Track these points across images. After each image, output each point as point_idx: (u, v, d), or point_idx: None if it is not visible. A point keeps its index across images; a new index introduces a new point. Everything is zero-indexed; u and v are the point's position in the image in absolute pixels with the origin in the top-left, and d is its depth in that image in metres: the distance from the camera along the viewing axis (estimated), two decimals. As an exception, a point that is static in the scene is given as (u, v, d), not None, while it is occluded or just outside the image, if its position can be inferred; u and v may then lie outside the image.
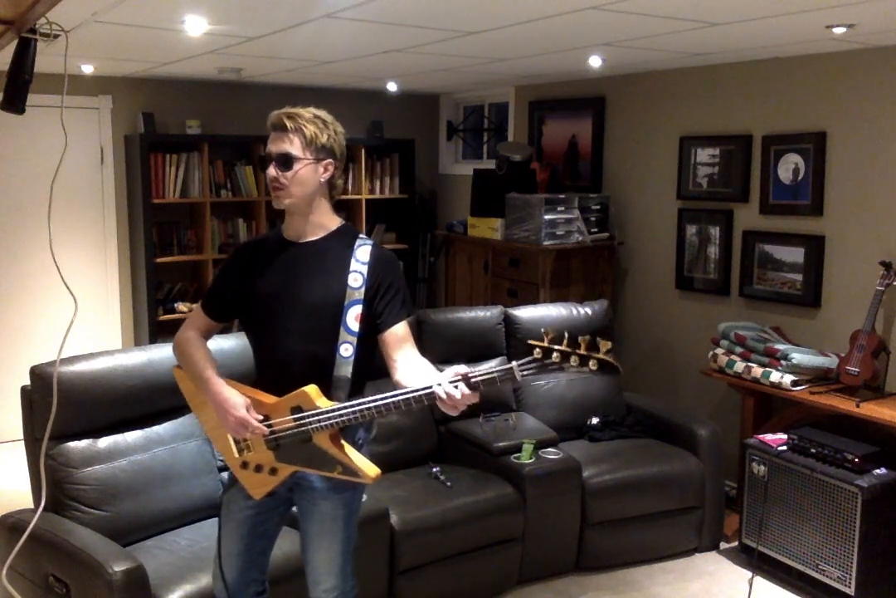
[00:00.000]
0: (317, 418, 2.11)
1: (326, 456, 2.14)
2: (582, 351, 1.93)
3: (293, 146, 2.16)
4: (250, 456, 2.25)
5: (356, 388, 2.24)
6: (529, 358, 1.95)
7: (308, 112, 2.20)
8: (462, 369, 2.01)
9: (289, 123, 2.16)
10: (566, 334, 1.95)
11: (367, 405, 2.07)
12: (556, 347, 1.93)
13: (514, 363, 1.96)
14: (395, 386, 2.16)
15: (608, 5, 2.83)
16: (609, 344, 1.95)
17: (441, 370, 2.08)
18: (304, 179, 2.18)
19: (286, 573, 2.72)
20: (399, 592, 3.17)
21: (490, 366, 4.28)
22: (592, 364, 1.93)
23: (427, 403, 2.03)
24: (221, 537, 2.39)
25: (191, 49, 3.95)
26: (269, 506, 2.34)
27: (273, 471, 2.23)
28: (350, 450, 2.15)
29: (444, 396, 1.97)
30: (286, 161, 2.16)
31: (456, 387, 1.98)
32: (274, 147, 2.18)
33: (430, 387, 2.01)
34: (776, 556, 3.57)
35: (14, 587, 2.55)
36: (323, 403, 2.13)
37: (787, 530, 3.51)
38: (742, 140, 4.25)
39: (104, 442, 2.90)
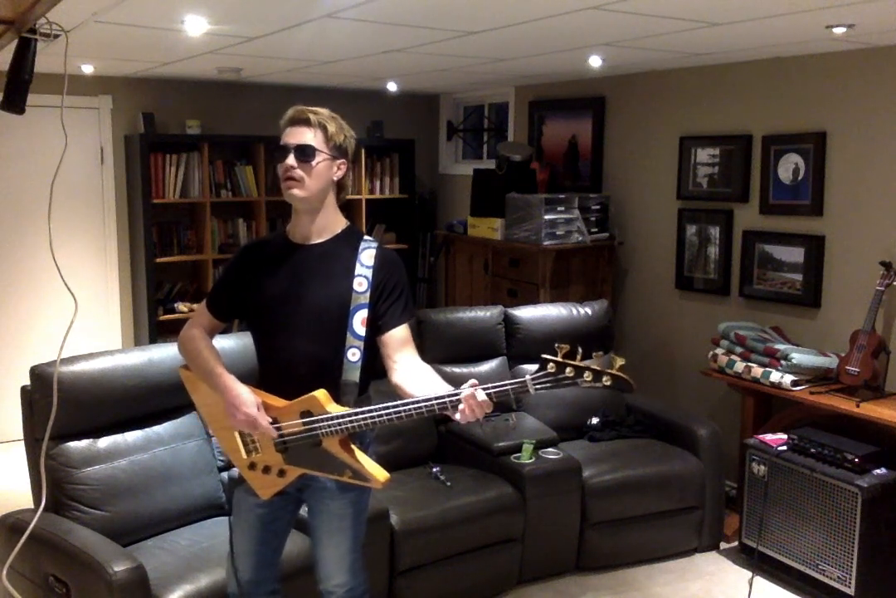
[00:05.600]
0: (327, 423, 2.10)
1: (336, 460, 2.13)
2: (596, 367, 1.92)
3: (315, 139, 2.17)
4: (258, 457, 2.25)
5: (363, 391, 2.24)
6: (543, 372, 1.93)
7: (327, 111, 2.22)
8: (475, 383, 1.99)
9: (312, 117, 2.17)
10: (580, 349, 1.94)
11: (378, 414, 2.04)
12: (571, 362, 1.92)
13: (527, 377, 1.95)
14: (394, 388, 2.15)
15: (608, 5, 2.83)
16: (622, 360, 1.94)
17: (442, 371, 2.08)
18: (321, 174, 2.19)
19: (290, 572, 2.71)
20: (399, 592, 3.17)
21: (491, 366, 4.28)
22: (606, 380, 1.92)
23: (439, 412, 2.01)
24: (233, 536, 2.40)
25: (191, 49, 3.95)
26: (278, 505, 2.34)
27: (281, 473, 2.22)
28: (360, 454, 2.15)
29: (480, 396, 1.94)
30: (307, 152, 2.16)
31: (474, 396, 1.95)
32: (293, 139, 2.17)
33: (444, 398, 1.98)
34: (776, 556, 3.57)
35: (14, 587, 2.55)
36: (333, 408, 2.11)
37: (787, 530, 3.51)
38: (742, 140, 4.25)
39: (104, 442, 2.90)
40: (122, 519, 2.84)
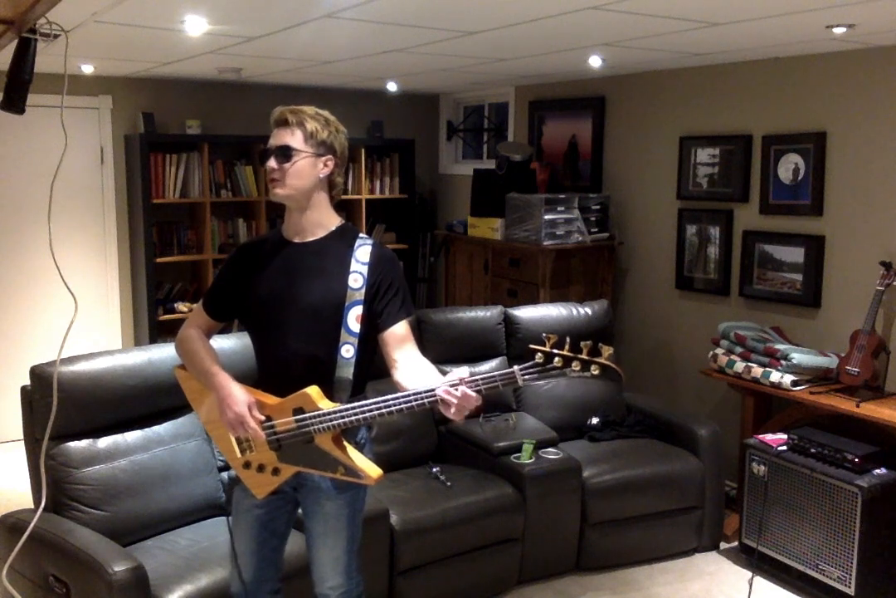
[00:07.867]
0: (319, 419, 2.11)
1: (328, 457, 2.14)
2: (584, 356, 1.92)
3: (294, 139, 2.18)
4: (253, 456, 2.25)
5: (358, 389, 2.24)
6: (531, 363, 1.93)
7: (311, 109, 2.23)
8: (464, 372, 1.99)
9: (291, 118, 2.18)
10: (568, 339, 1.94)
11: (368, 408, 2.06)
12: (558, 351, 1.92)
13: (515, 368, 1.95)
14: (395, 386, 2.15)
15: (608, 5, 2.83)
16: (611, 349, 1.93)
17: (443, 370, 2.08)
18: (302, 171, 2.19)
19: (290, 572, 2.71)
20: (399, 592, 3.17)
21: (491, 366, 4.29)
22: (594, 369, 1.91)
23: (429, 406, 2.02)
24: (234, 537, 2.40)
25: (191, 49, 3.95)
26: (276, 504, 2.34)
27: (276, 471, 2.23)
28: (352, 451, 2.15)
29: (445, 397, 1.96)
30: (285, 153, 2.17)
31: (456, 389, 1.96)
32: (274, 140, 2.20)
33: (432, 390, 2.00)
34: (776, 556, 3.57)
35: (14, 587, 2.55)
36: (325, 404, 2.12)
37: (787, 530, 3.51)
38: (742, 140, 4.25)
39: (104, 442, 2.90)
40: (122, 519, 2.84)
